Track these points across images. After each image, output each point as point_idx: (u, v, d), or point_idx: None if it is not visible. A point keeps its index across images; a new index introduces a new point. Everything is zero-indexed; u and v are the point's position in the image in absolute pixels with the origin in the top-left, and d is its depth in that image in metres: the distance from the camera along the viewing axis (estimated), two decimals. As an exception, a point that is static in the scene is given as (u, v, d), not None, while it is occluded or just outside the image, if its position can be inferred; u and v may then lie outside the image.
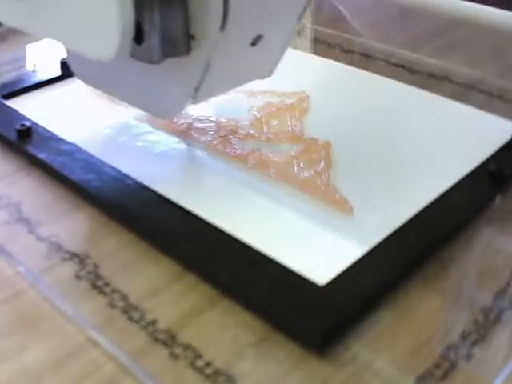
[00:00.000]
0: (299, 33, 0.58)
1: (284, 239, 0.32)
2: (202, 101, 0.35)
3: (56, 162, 0.37)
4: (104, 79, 0.38)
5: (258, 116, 0.42)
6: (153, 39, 0.29)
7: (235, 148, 0.39)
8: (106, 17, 0.28)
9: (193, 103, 0.34)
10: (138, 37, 0.29)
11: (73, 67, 0.40)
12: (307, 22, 0.61)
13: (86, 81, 0.40)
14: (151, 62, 0.30)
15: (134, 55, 0.30)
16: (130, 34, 0.28)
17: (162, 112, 0.36)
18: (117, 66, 0.34)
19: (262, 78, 0.38)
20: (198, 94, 0.33)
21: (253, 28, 0.33)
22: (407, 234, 0.32)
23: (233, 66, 0.35)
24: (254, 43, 0.34)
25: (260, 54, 0.35)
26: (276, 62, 0.37)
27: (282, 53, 0.37)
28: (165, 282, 0.30)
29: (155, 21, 0.29)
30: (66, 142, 0.39)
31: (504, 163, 0.36)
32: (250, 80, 0.38)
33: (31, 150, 0.39)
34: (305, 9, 0.36)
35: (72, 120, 0.43)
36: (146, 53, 0.30)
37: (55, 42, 0.33)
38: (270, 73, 0.38)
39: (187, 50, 0.31)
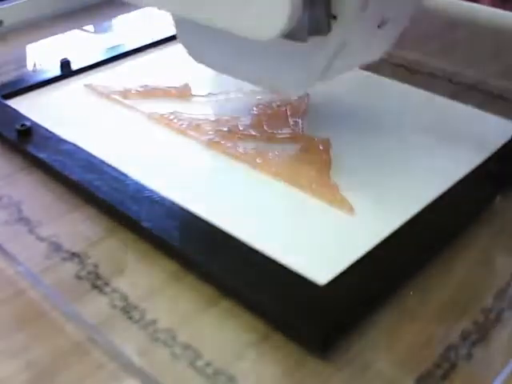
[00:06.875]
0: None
1: (284, 239, 0.32)
2: (328, 79, 0.36)
3: (56, 161, 0.37)
4: (219, 58, 0.39)
5: (258, 115, 0.42)
6: (302, 18, 0.30)
7: (235, 147, 0.39)
8: None
9: (320, 80, 0.36)
10: None
11: (187, 47, 0.40)
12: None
13: (201, 60, 0.40)
14: (299, 39, 0.31)
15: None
16: (300, 9, 0.29)
17: (290, 89, 0.37)
18: (238, 45, 0.36)
19: (373, 60, 0.40)
20: (327, 72, 0.35)
21: (384, 10, 0.35)
22: (407, 234, 0.32)
23: (360, 47, 0.36)
24: (380, 25, 0.35)
25: (380, 36, 0.37)
26: (386, 47, 0.39)
27: (393, 39, 0.38)
28: (165, 281, 0.30)
29: (306, 1, 0.30)
30: (66, 142, 0.39)
31: (504, 163, 0.36)
32: (366, 61, 0.40)
33: (31, 149, 0.39)
34: None
35: (72, 120, 0.43)
36: (296, 31, 0.30)
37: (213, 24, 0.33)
38: (378, 56, 0.39)
39: (329, 29, 0.31)
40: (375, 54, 0.39)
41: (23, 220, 0.34)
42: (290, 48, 0.32)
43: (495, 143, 0.38)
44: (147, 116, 0.43)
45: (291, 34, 0.31)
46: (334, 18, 0.31)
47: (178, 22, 0.40)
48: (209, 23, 0.33)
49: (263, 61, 0.36)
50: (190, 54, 0.40)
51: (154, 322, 0.28)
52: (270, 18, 0.29)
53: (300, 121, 0.42)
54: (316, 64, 0.34)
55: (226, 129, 0.41)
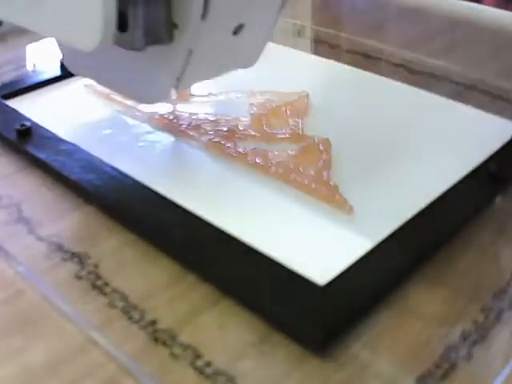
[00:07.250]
0: (299, 33, 0.58)
1: (284, 239, 0.32)
2: (185, 87, 0.37)
3: (56, 162, 0.37)
4: (92, 68, 0.38)
5: (258, 115, 0.42)
6: (136, 27, 0.30)
7: (235, 147, 0.39)
8: (90, 8, 0.29)
9: (176, 89, 0.36)
10: (123, 25, 0.30)
11: (64, 57, 0.40)
12: (307, 22, 0.61)
13: (76, 71, 0.40)
14: (134, 49, 0.31)
15: (118, 43, 0.31)
16: (113, 24, 0.29)
17: (146, 98, 0.37)
18: (103, 54, 0.35)
19: (245, 67, 0.39)
20: (181, 81, 0.34)
21: (234, 17, 0.34)
22: (407, 234, 0.32)
23: (215, 55, 0.36)
24: (235, 32, 0.35)
25: (242, 43, 0.36)
26: (259, 52, 0.38)
27: (264, 43, 0.38)
28: (165, 281, 0.30)
29: (138, 9, 0.30)
30: (66, 142, 0.39)
31: (504, 163, 0.36)
32: (233, 68, 0.39)
33: (31, 149, 0.39)
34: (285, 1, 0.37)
35: (72, 120, 0.43)
36: (130, 40, 0.31)
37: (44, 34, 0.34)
38: (252, 62, 0.39)
39: (170, 38, 0.32)
40: (247, 60, 0.39)
41: (23, 220, 0.34)
42: (144, 57, 0.32)
43: (495, 143, 0.38)
44: (147, 116, 0.43)
45: (127, 44, 0.31)
46: (175, 26, 0.31)
47: None
48: (38, 31, 0.33)
49: (123, 70, 0.36)
50: (65, 64, 0.40)
51: (153, 322, 0.28)
52: (87, 30, 0.29)
53: (300, 121, 0.42)
54: (168, 73, 0.34)
55: (226, 129, 0.41)
